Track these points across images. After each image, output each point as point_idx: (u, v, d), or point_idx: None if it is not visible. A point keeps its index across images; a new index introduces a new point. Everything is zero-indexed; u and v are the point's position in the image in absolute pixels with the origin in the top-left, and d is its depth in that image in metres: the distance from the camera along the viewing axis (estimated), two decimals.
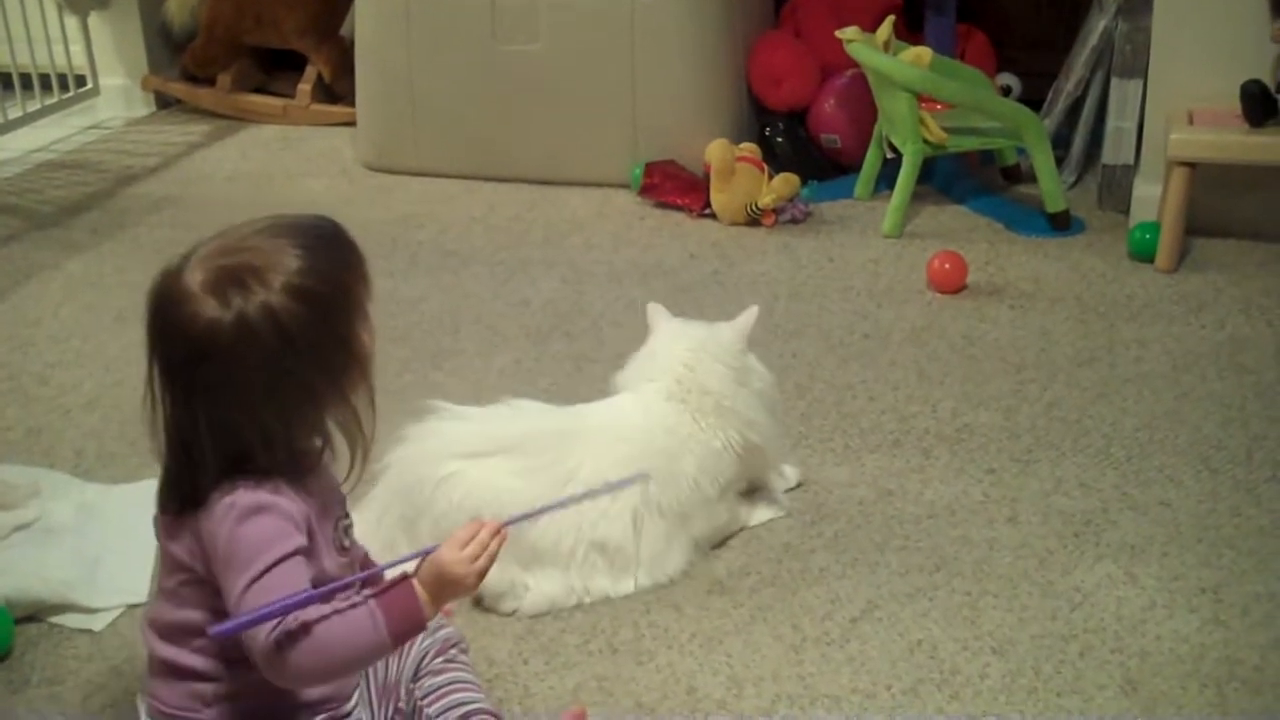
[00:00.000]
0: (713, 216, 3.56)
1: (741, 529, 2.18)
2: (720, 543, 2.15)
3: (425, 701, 1.62)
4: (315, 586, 1.40)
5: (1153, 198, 3.34)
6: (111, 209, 3.78)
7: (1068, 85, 3.70)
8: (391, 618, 1.41)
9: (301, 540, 1.42)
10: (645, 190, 3.68)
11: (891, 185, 3.47)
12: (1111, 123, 3.52)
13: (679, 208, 3.62)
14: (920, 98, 3.44)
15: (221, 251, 1.42)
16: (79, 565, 2.06)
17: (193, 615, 1.46)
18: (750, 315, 2.19)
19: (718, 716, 1.76)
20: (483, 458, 1.98)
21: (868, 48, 3.45)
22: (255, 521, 1.40)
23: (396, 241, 3.43)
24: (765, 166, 3.57)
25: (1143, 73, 3.41)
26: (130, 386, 2.71)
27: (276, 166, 4.12)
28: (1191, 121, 3.17)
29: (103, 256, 3.43)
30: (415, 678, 1.63)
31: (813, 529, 2.18)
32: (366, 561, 1.62)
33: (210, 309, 1.38)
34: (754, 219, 3.51)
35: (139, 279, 3.18)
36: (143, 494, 2.25)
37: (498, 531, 1.48)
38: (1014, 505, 2.24)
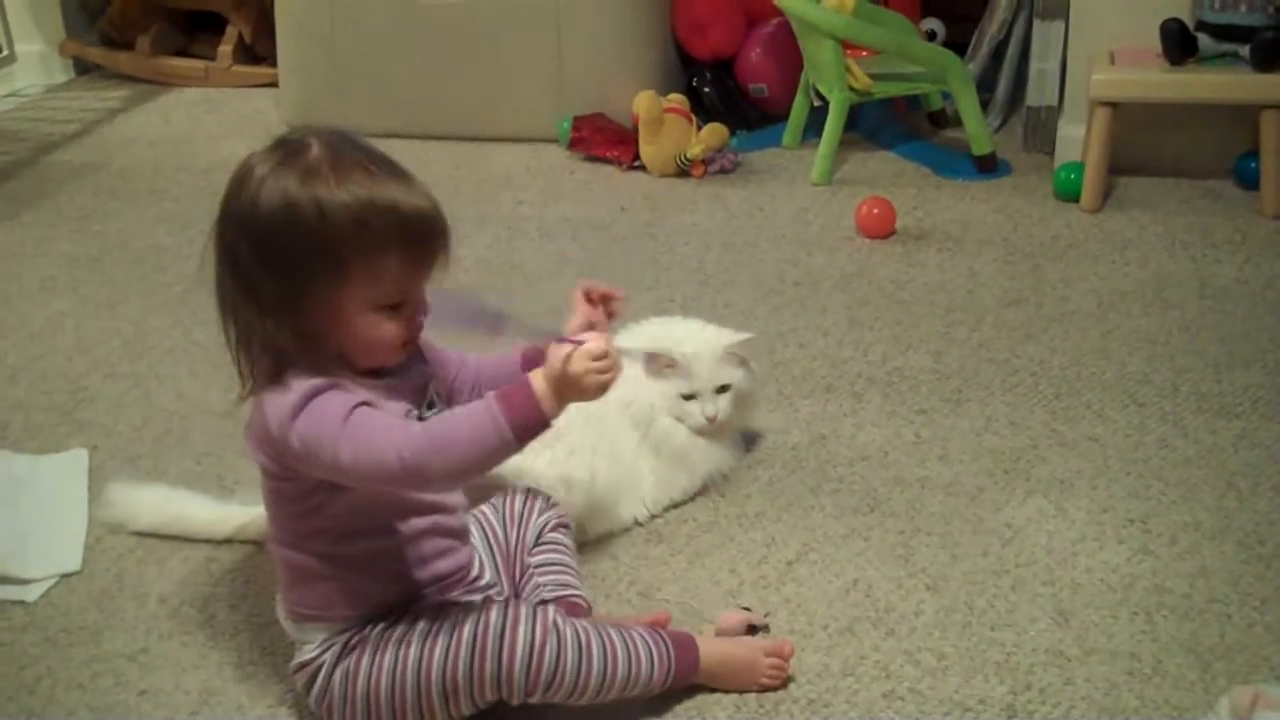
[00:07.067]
0: (642, 169, 3.55)
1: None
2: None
3: (538, 570, 1.77)
4: None
5: (1077, 138, 3.37)
6: (31, 178, 3.72)
7: (991, 28, 3.73)
8: (511, 412, 1.42)
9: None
10: (574, 144, 3.67)
11: (819, 133, 3.48)
12: (1034, 65, 3.55)
13: (608, 161, 3.61)
14: (845, 44, 3.44)
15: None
16: (10, 537, 2.03)
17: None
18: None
19: None
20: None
21: None
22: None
23: None
24: (693, 117, 3.56)
25: (1064, 14, 3.43)
26: (55, 357, 2.68)
27: (199, 130, 4.07)
28: (1113, 61, 3.19)
29: (24, 225, 3.37)
30: (534, 546, 1.79)
31: (748, 474, 2.19)
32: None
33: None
34: (683, 170, 3.50)
35: (62, 248, 3.19)
36: (72, 463, 2.25)
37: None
38: (945, 445, 2.26)
